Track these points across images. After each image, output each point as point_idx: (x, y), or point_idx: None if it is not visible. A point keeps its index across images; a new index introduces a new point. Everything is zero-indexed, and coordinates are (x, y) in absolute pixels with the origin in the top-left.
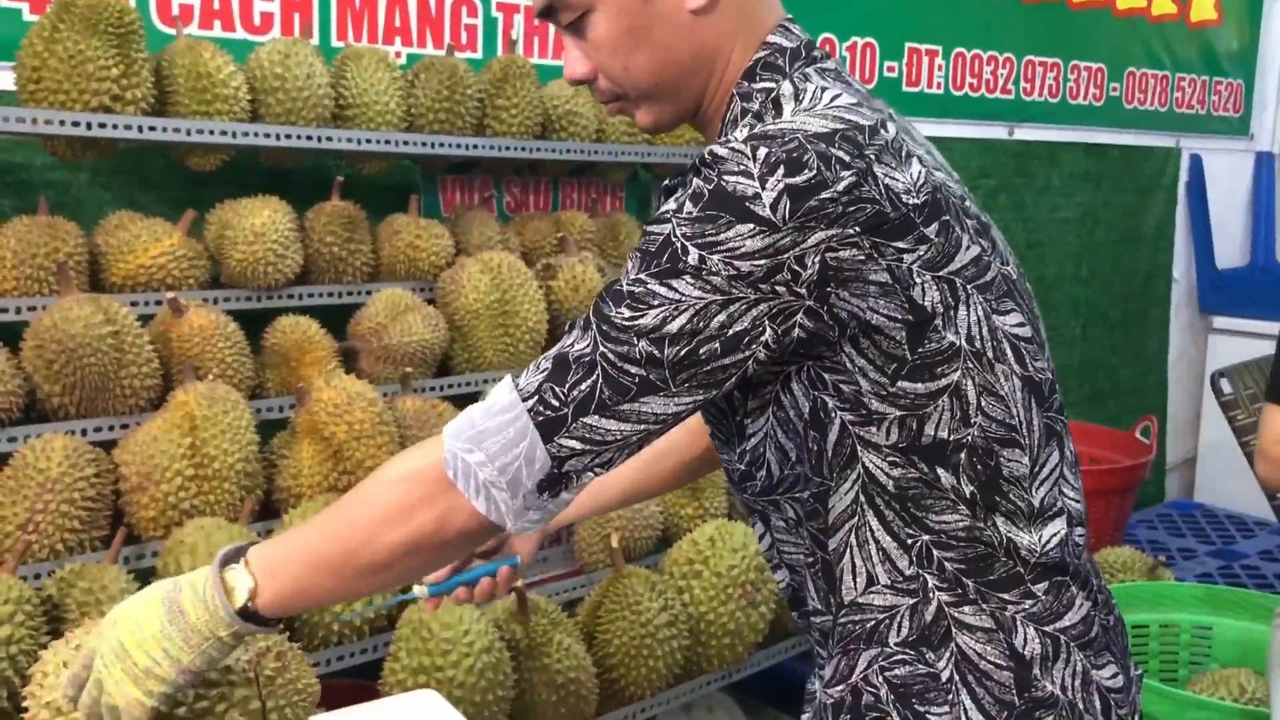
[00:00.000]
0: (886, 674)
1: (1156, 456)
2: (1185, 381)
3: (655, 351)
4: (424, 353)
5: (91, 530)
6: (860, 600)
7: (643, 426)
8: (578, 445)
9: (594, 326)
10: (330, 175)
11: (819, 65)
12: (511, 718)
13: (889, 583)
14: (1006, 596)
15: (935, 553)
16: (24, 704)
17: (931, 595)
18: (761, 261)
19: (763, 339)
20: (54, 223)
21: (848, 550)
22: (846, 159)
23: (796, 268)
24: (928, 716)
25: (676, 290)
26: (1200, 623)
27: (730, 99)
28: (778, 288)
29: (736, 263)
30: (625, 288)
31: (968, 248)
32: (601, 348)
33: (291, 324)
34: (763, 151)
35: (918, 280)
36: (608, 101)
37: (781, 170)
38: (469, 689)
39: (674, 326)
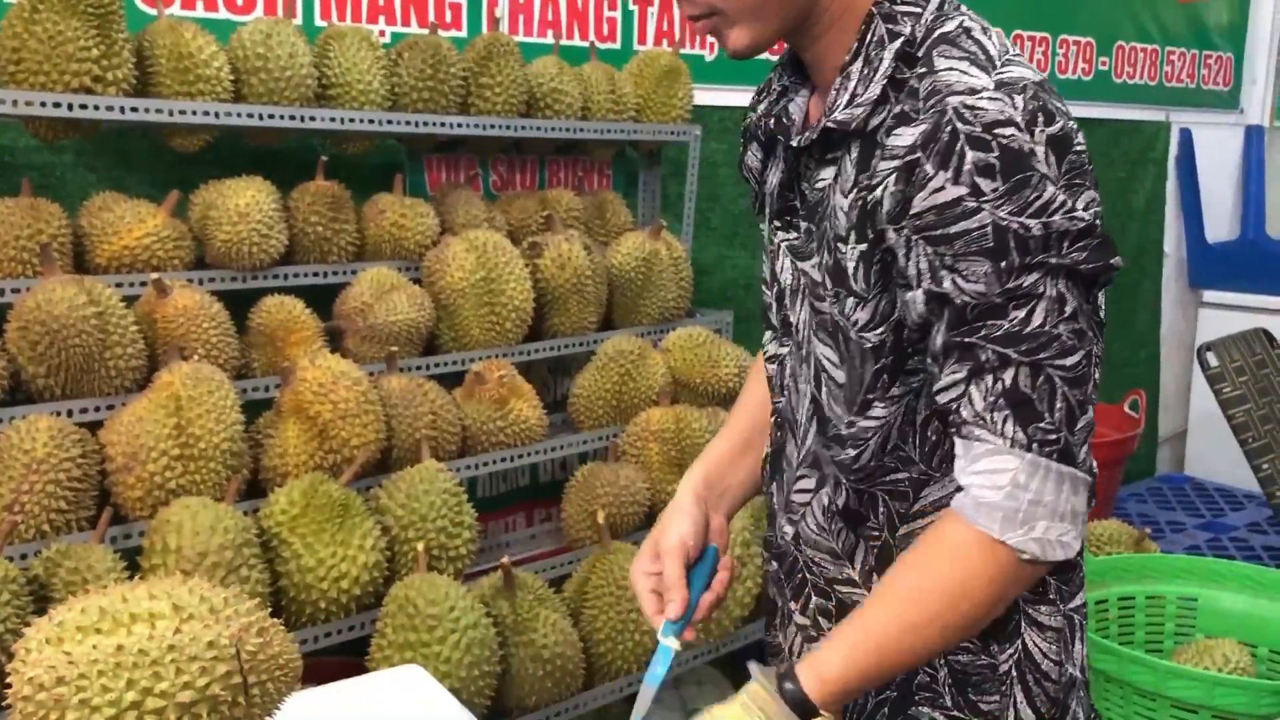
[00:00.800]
0: (949, 658)
1: (1147, 430)
2: (1176, 355)
3: (1075, 328)
4: (409, 332)
5: (78, 510)
6: None
7: (1095, 392)
8: (1086, 444)
9: (1009, 350)
10: (315, 155)
11: None
12: (498, 693)
13: None
14: (1077, 596)
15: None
16: (8, 680)
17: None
18: (1058, 213)
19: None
20: (37, 204)
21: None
22: (1062, 107)
23: (1081, 226)
24: (979, 704)
25: (1043, 265)
26: (1186, 594)
27: (869, 18)
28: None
29: (1074, 216)
30: (998, 298)
31: None
32: (1037, 359)
33: (277, 304)
34: (1019, 101)
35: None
36: (699, 17)
37: (1041, 121)
38: (455, 664)
39: (1067, 295)
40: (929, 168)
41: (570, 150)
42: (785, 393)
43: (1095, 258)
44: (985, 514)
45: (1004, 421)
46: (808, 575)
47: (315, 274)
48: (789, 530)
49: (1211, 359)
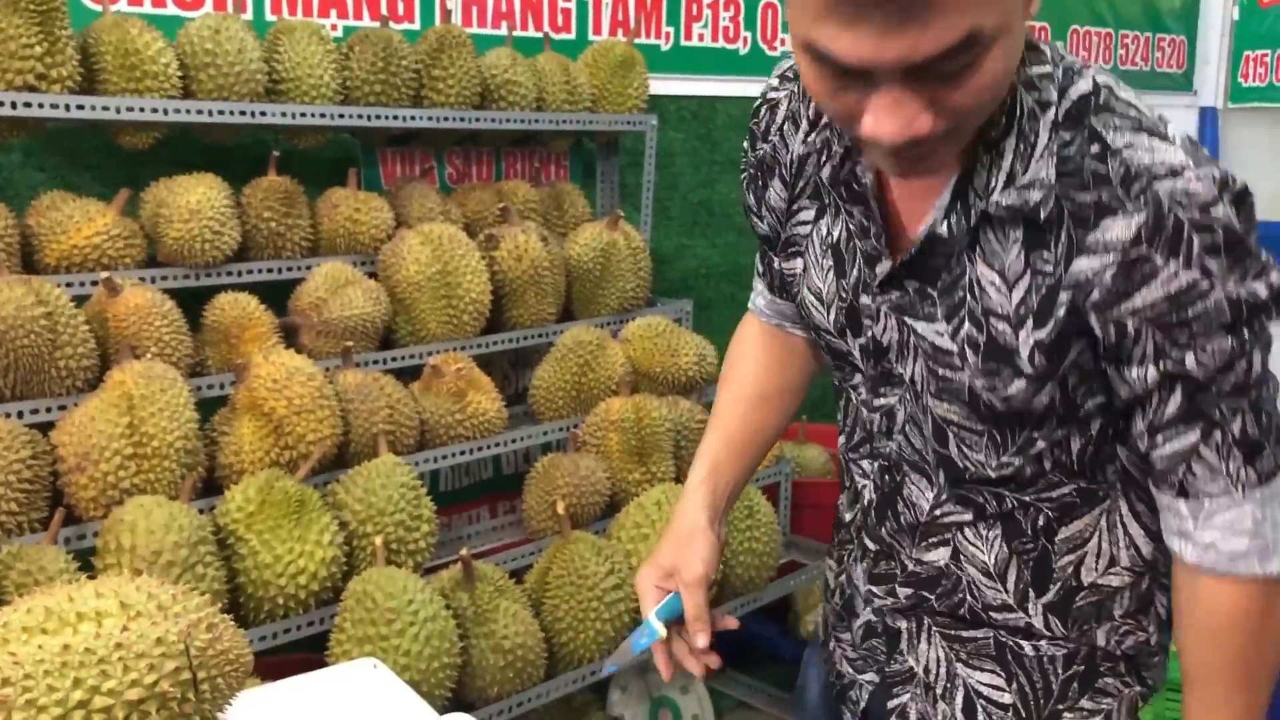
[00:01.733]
0: (1121, 645)
1: None
2: None
3: (1265, 360)
4: (365, 326)
5: (30, 512)
6: (1099, 581)
7: None
8: None
9: (1240, 401)
10: (267, 151)
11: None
12: (459, 685)
13: (1129, 565)
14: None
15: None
16: None
17: (1160, 568)
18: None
19: None
20: None
21: (1095, 535)
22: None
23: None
24: (1144, 675)
25: (1259, 316)
26: None
27: (1013, 89)
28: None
29: (1270, 265)
30: (1249, 378)
31: None
32: (1258, 400)
33: (230, 301)
34: (1213, 172)
35: None
36: (924, 155)
37: (1226, 189)
38: (415, 657)
39: (1265, 334)
40: (1158, 259)
41: (526, 142)
42: (899, 435)
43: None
44: (1243, 562)
45: (1239, 471)
46: (932, 611)
47: (269, 270)
48: (933, 556)
49: None
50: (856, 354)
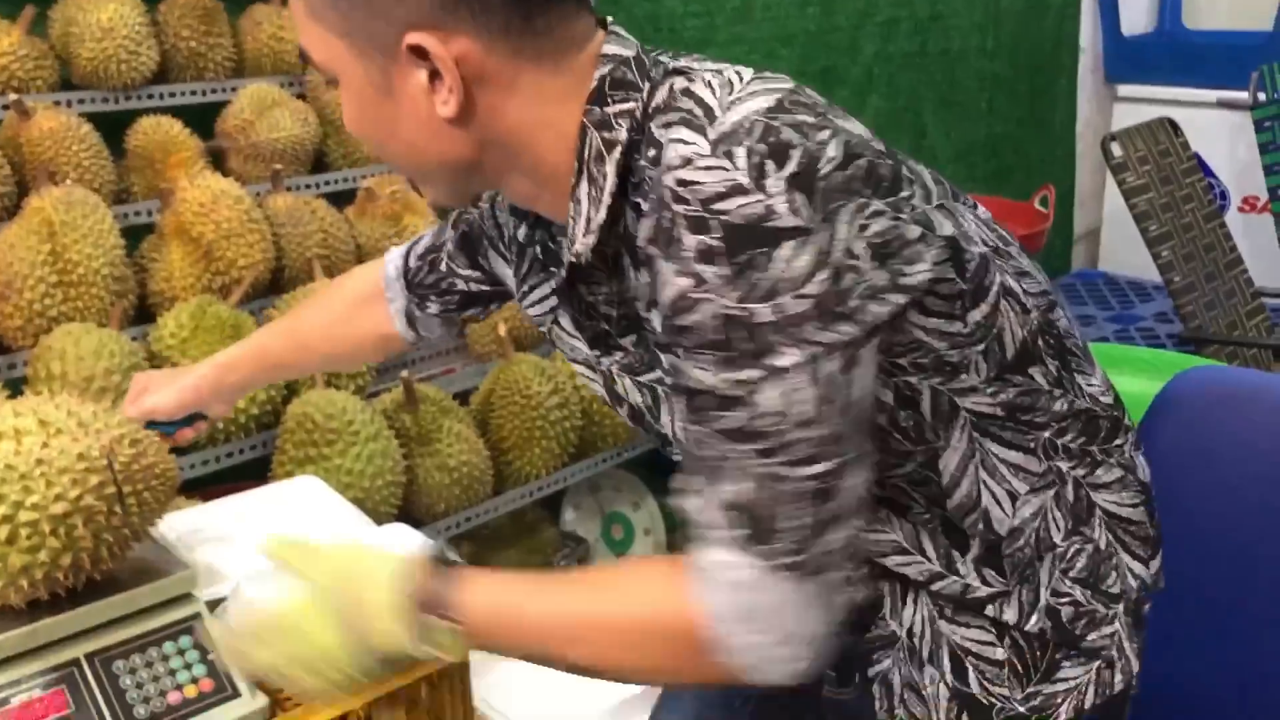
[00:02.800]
0: (1069, 574)
1: (1062, 228)
2: (1092, 152)
3: (821, 431)
4: (295, 149)
5: None
6: (1016, 523)
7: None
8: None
9: (746, 455)
10: None
11: (675, 59)
12: (406, 503)
13: (1029, 488)
14: (1118, 441)
15: (1056, 440)
16: None
17: (1067, 477)
18: (823, 275)
19: (874, 357)
20: None
21: (980, 488)
22: (812, 119)
23: (851, 261)
24: (1105, 589)
25: (780, 352)
26: None
27: (583, 131)
28: (851, 296)
29: (805, 291)
30: (728, 391)
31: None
32: (773, 468)
33: (153, 125)
34: (740, 154)
35: (931, 214)
36: (417, 181)
37: (771, 165)
38: (357, 476)
39: (811, 393)
40: (660, 261)
41: None
42: None
43: (894, 290)
44: (719, 600)
45: (743, 542)
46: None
47: (192, 92)
48: None
49: (1115, 149)
50: (635, 424)
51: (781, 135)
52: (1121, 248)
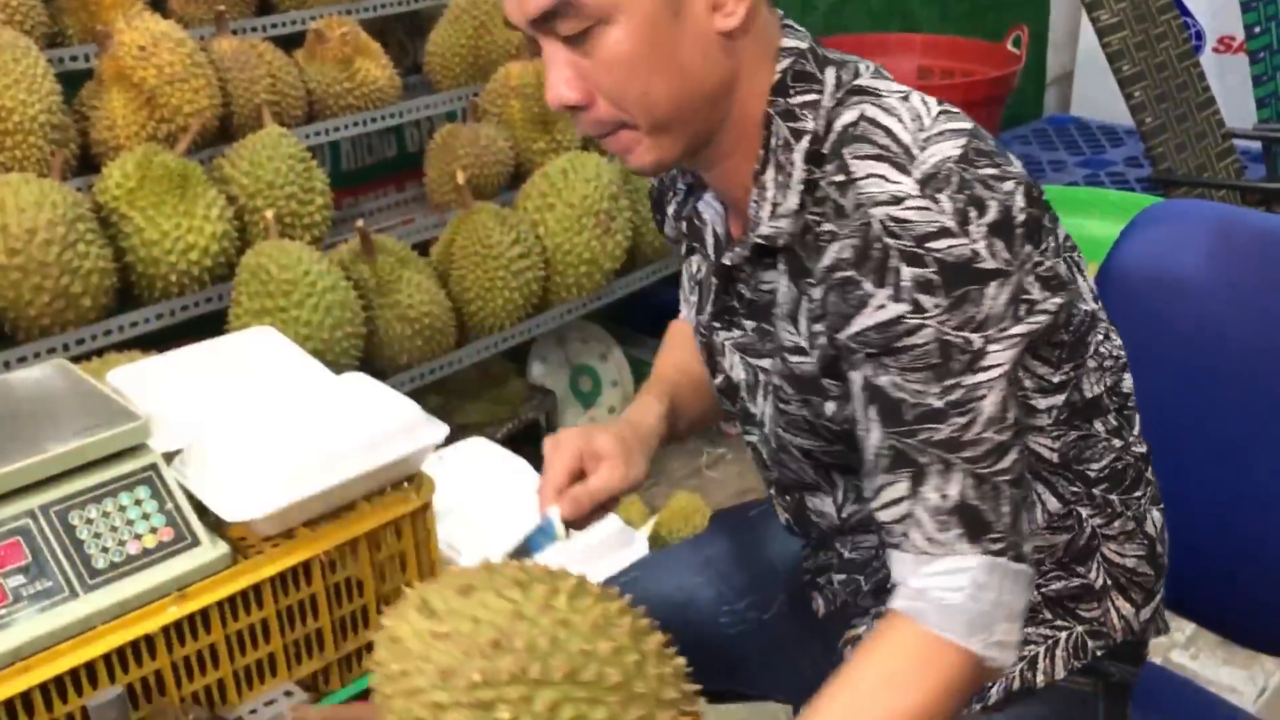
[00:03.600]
0: (1042, 590)
1: (1035, 72)
2: None
3: (1007, 434)
4: None
5: None
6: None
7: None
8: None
9: (952, 455)
10: None
11: (838, 57)
12: (367, 355)
13: (1047, 526)
14: (1137, 493)
15: (1091, 489)
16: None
17: (1085, 524)
18: (1012, 307)
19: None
20: None
21: None
22: (996, 172)
23: (1026, 299)
24: (1079, 612)
25: (985, 371)
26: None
27: (768, 120)
28: (1024, 325)
29: (1005, 323)
30: (939, 403)
31: None
32: (977, 467)
33: None
34: (945, 200)
35: (1060, 257)
36: (604, 134)
37: (974, 213)
38: (316, 327)
39: (1001, 400)
40: (868, 285)
41: None
42: (774, 469)
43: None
44: (949, 619)
45: (957, 542)
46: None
47: None
48: (868, 541)
49: None
50: (719, 393)
51: (976, 190)
52: (1093, 92)
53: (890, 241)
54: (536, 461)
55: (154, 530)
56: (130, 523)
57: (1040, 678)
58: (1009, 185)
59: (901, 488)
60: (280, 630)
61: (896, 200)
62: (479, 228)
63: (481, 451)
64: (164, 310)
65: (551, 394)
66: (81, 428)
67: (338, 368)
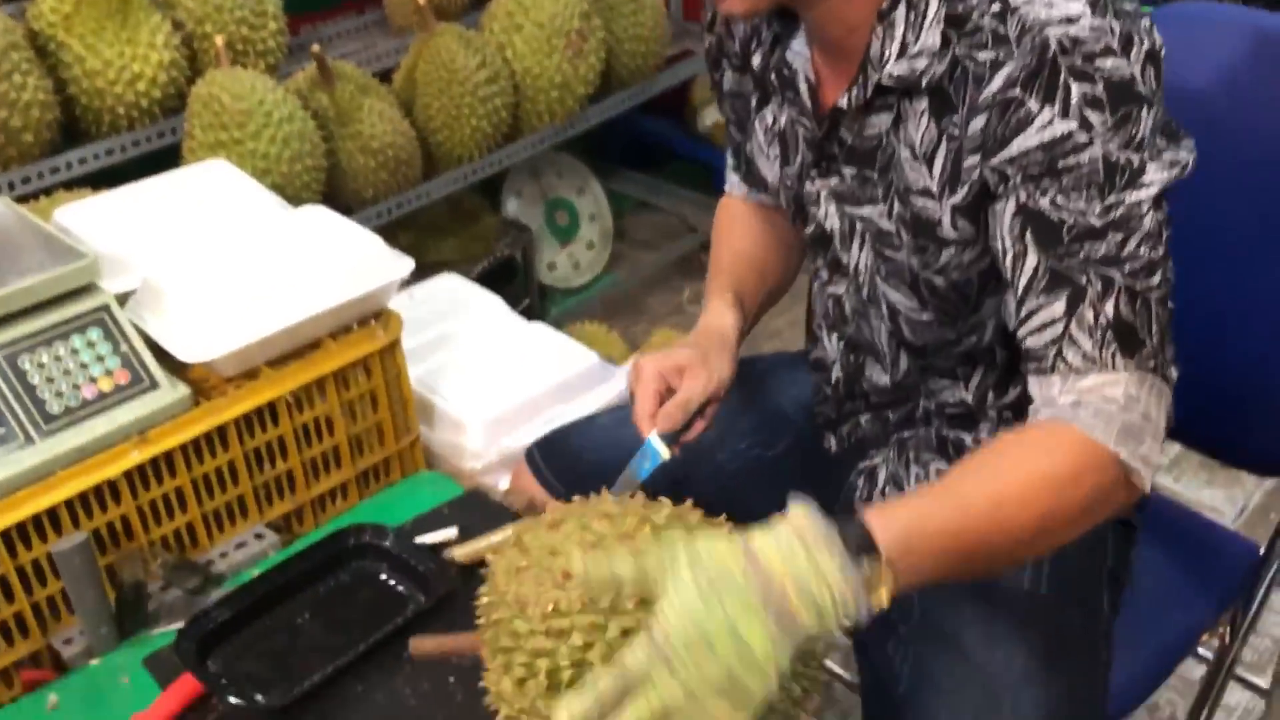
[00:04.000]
0: None
1: None
2: None
3: (1159, 252)
4: None
5: None
6: None
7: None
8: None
9: (1111, 271)
10: None
11: None
12: (331, 189)
13: None
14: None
15: None
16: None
17: None
18: (1156, 135)
19: None
20: None
21: None
22: (1134, 6)
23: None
24: None
25: (1143, 189)
26: None
27: None
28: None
29: (1157, 144)
30: (1099, 222)
31: None
32: (1134, 283)
33: None
34: (1113, 22)
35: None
36: None
37: (1135, 39)
38: (274, 160)
39: (1156, 220)
40: (1033, 104)
41: None
42: (852, 323)
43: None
44: (1104, 423)
45: (1113, 358)
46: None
47: None
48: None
49: None
50: (808, 243)
51: (1130, 19)
52: None
53: (1063, 60)
54: (512, 300)
55: (109, 373)
56: (84, 366)
57: None
58: (1146, 21)
59: (1058, 309)
60: (248, 472)
61: (1070, 20)
62: (442, 51)
63: (455, 288)
64: (113, 146)
65: (527, 230)
66: (26, 268)
67: (298, 203)
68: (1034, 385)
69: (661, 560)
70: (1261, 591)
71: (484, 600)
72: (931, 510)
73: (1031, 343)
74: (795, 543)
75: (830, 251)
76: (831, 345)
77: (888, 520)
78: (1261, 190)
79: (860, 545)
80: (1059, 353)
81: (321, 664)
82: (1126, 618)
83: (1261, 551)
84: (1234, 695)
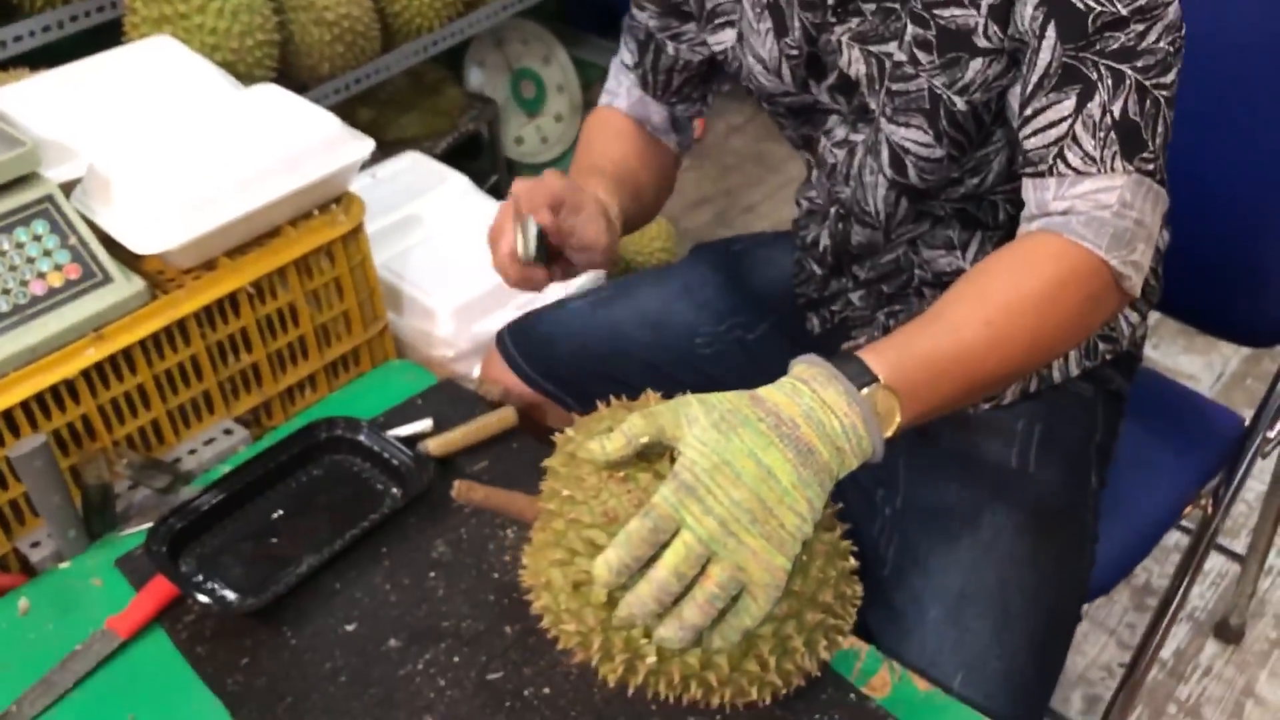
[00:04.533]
0: None
1: None
2: None
3: (1175, 47)
4: None
5: None
6: None
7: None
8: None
9: (1123, 67)
10: None
11: None
12: (284, 65)
13: None
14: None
15: None
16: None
17: None
18: None
19: None
20: None
21: None
22: None
23: None
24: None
25: None
26: None
27: None
28: None
29: None
30: (1126, 9)
31: None
32: (1146, 79)
33: None
34: None
35: None
36: None
37: None
38: (223, 35)
39: (1178, 12)
40: None
41: None
42: (854, 180)
43: None
44: (1094, 230)
45: (1114, 159)
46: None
47: None
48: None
49: None
50: (826, 98)
51: None
52: None
53: None
54: (478, 178)
55: (58, 268)
56: (30, 261)
57: (1056, 374)
58: None
59: (1066, 106)
60: (212, 367)
61: None
62: None
63: (419, 167)
64: (49, 21)
65: (492, 102)
66: None
67: (251, 80)
68: (1029, 189)
69: (676, 412)
70: (1245, 462)
71: (562, 489)
72: (923, 337)
73: (1034, 143)
74: (798, 384)
75: (855, 99)
76: (819, 216)
77: (881, 351)
78: (1247, 58)
79: (859, 377)
80: (1059, 153)
81: (298, 562)
82: (1112, 490)
83: (1247, 423)
84: (1209, 560)
